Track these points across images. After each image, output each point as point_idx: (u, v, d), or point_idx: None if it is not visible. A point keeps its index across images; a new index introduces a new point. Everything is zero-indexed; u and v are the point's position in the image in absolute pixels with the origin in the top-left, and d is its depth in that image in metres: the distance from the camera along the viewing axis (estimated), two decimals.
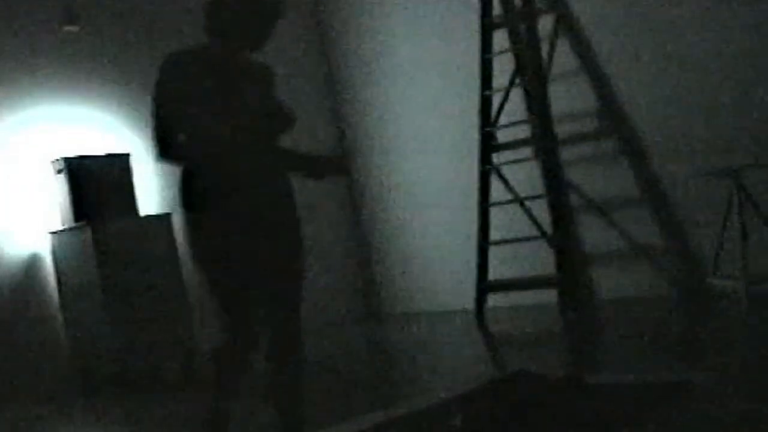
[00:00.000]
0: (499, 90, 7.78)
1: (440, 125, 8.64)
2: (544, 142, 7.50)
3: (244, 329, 3.70)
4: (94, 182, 7.23)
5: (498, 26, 7.88)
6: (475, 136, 8.38)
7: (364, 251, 9.54)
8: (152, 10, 8.35)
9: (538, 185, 7.91)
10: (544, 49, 7.68)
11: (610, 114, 7.29)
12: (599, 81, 7.35)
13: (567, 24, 7.50)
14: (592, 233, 7.53)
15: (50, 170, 7.57)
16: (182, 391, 6.37)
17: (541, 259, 7.97)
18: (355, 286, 9.50)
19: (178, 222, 8.23)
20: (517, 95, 7.97)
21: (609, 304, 7.21)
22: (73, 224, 7.12)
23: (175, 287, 7.26)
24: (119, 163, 7.33)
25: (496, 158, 8.20)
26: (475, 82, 8.32)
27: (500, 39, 8.06)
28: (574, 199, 7.63)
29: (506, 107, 8.06)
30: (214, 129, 3.57)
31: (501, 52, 7.74)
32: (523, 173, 8.01)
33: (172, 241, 7.27)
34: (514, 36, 7.71)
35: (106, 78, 8.01)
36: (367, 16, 9.19)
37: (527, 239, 7.62)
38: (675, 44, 6.85)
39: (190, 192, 3.62)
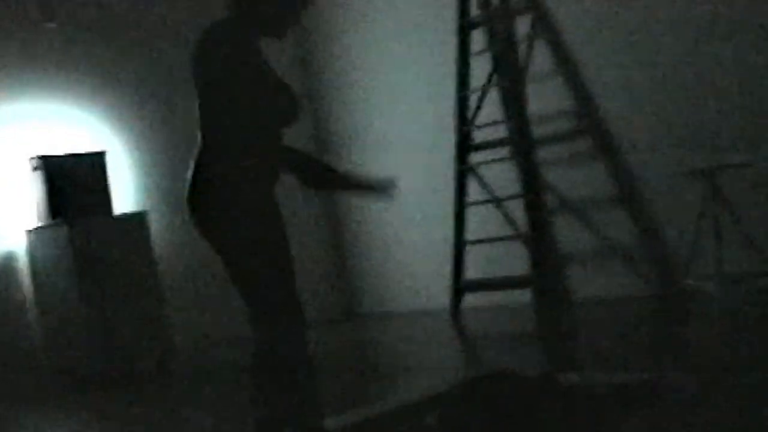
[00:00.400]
0: (476, 90, 7.80)
1: (417, 125, 8.65)
2: (521, 142, 7.52)
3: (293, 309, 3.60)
4: (70, 180, 7.20)
5: (475, 26, 7.90)
6: (452, 136, 8.39)
7: (340, 251, 9.54)
8: (127, 6, 8.32)
9: (515, 185, 7.93)
10: (522, 49, 7.71)
11: (587, 114, 7.32)
12: (576, 81, 7.38)
13: (544, 24, 7.52)
14: (569, 233, 7.56)
15: (27, 168, 7.54)
16: (158, 389, 6.36)
17: (517, 259, 7.99)
18: (332, 286, 9.50)
19: (153, 220, 8.21)
20: (494, 95, 7.99)
21: (585, 304, 7.24)
22: (49, 222, 7.09)
23: (150, 285, 7.24)
24: (95, 161, 7.31)
25: (473, 158, 8.22)
26: (453, 82, 8.33)
27: (478, 39, 8.08)
28: (550, 199, 7.65)
29: (484, 107, 8.08)
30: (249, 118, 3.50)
31: (478, 53, 7.76)
32: (499, 173, 8.03)
33: (147, 239, 7.25)
34: (491, 36, 7.72)
35: (84, 75, 7.98)
36: (344, 15, 9.19)
37: (503, 239, 7.64)
38: (651, 45, 6.88)
39: (205, 185, 3.52)
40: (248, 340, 8.58)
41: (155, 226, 8.23)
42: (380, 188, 3.68)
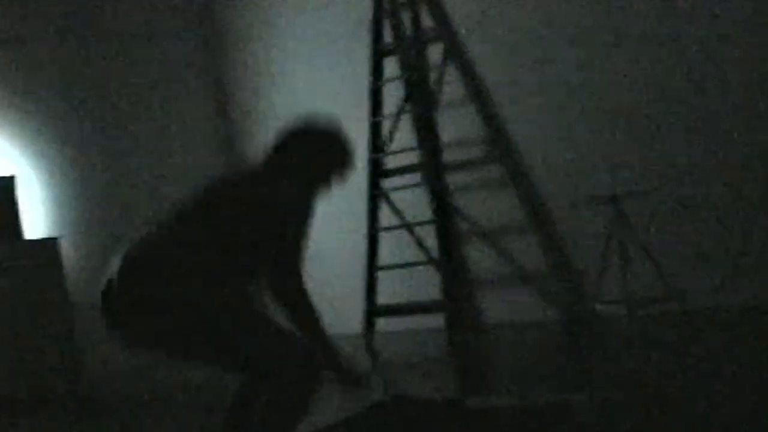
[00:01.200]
0: (389, 117, 7.85)
1: None
2: (433, 168, 7.58)
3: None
4: None
5: (388, 53, 7.96)
6: (365, 162, 8.43)
7: None
8: (39, 27, 8.23)
9: (426, 211, 7.98)
10: (434, 76, 7.78)
11: (497, 141, 7.41)
12: (487, 109, 7.47)
13: (456, 52, 7.61)
14: (480, 258, 7.63)
15: None
16: (68, 413, 6.27)
17: (429, 284, 8.04)
18: None
19: (64, 246, 8.11)
20: (407, 122, 8.05)
21: (496, 328, 7.30)
22: None
23: (61, 311, 7.14)
24: (4, 185, 7.21)
25: (386, 184, 8.26)
26: (366, 109, 8.38)
27: (391, 66, 8.14)
28: (461, 224, 7.72)
29: (396, 134, 8.13)
30: None
31: (391, 79, 7.81)
32: (411, 199, 8.08)
33: (59, 265, 7.16)
34: (404, 63, 7.79)
35: None
36: (258, 39, 9.20)
37: (415, 264, 7.69)
38: (558, 73, 6.99)
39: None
40: (153, 368, 8.49)
41: (66, 251, 8.13)
42: (352, 379, 3.56)
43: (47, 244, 7.13)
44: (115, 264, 3.23)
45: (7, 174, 7.37)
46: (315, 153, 3.54)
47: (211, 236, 3.28)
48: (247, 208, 3.33)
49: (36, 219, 7.99)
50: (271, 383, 3.25)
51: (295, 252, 3.39)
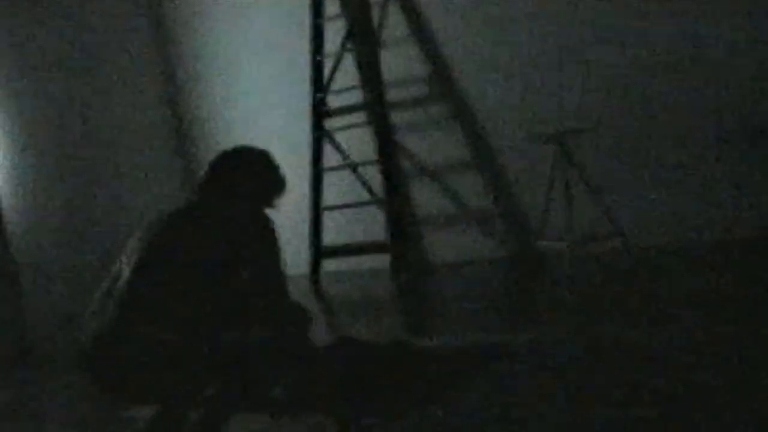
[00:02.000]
0: (330, 56, 7.78)
1: (272, 91, 8.59)
2: (376, 107, 7.54)
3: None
4: None
5: None
6: (307, 101, 8.36)
7: None
8: None
9: (370, 150, 7.95)
10: (376, 14, 7.71)
11: (440, 80, 7.37)
12: (429, 47, 7.42)
13: None
14: (424, 198, 7.62)
15: None
16: (20, 375, 6.21)
17: (374, 224, 8.03)
18: None
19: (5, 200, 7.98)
20: (349, 61, 7.98)
21: (440, 267, 7.32)
22: None
23: (3, 266, 7.06)
24: None
25: (329, 124, 8.20)
26: (307, 48, 8.30)
27: (333, 4, 8.06)
28: (405, 164, 7.70)
29: (338, 73, 8.06)
30: None
31: (333, 18, 7.73)
32: (355, 139, 8.04)
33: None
34: (345, 1, 7.70)
35: None
36: None
37: (360, 205, 7.67)
38: (502, 7, 6.95)
39: None
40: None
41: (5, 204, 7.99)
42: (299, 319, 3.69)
43: None
44: (104, 317, 3.30)
45: None
46: (251, 173, 3.81)
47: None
48: (217, 233, 3.50)
49: None
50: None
51: (275, 276, 3.57)
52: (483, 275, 6.47)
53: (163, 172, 9.28)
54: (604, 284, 5.23)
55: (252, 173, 3.79)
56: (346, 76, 8.02)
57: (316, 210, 7.96)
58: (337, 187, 8.23)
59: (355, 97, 7.99)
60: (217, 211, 3.56)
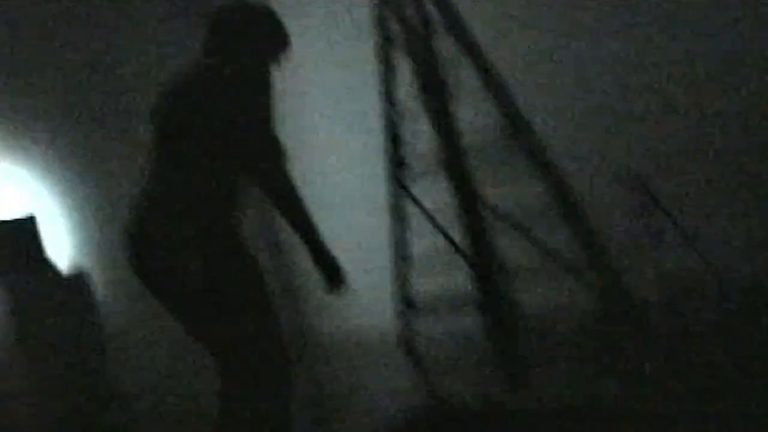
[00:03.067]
0: (403, 108, 7.75)
1: (344, 146, 8.61)
2: (454, 159, 7.47)
3: None
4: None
5: (394, 43, 7.84)
6: (380, 154, 8.30)
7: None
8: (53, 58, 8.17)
9: (452, 203, 7.86)
10: (447, 65, 7.67)
11: (516, 127, 7.29)
12: (503, 98, 7.35)
13: (467, 43, 7.49)
14: (509, 248, 7.52)
15: None
16: None
17: (460, 278, 7.93)
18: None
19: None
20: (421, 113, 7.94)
21: (530, 319, 7.21)
22: None
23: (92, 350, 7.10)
24: (25, 226, 7.14)
25: (406, 176, 8.14)
26: (377, 101, 8.28)
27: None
28: (488, 214, 7.60)
29: (413, 125, 8.01)
30: None
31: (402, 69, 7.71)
32: (435, 192, 7.96)
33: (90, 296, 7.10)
34: (413, 54, 7.66)
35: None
36: None
37: (445, 258, 7.60)
38: (575, 52, 6.89)
39: None
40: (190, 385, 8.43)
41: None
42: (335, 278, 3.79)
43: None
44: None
45: (26, 215, 7.20)
46: (252, 29, 3.70)
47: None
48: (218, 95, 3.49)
49: (61, 255, 7.85)
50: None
51: (267, 128, 3.54)
52: (576, 325, 6.34)
53: None
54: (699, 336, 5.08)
55: (254, 29, 3.60)
56: (419, 129, 7.97)
57: (400, 262, 7.88)
58: (419, 243, 8.15)
59: (431, 150, 7.93)
60: (221, 70, 3.49)
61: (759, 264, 6.23)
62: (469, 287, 7.84)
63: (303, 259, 9.03)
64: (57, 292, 6.84)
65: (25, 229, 6.96)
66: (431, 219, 7.63)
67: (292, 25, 7.94)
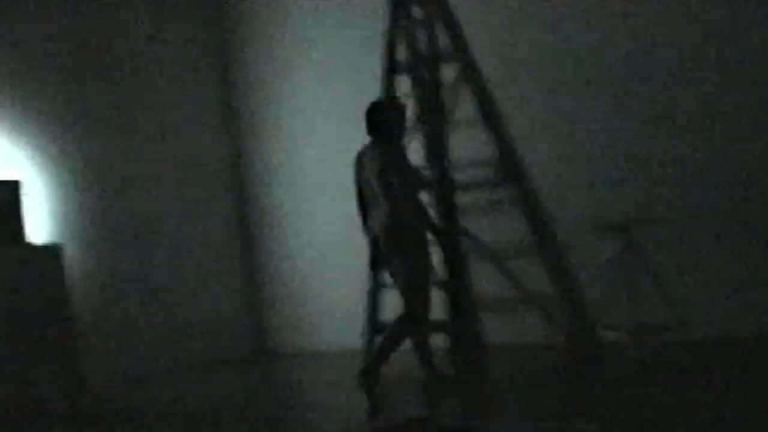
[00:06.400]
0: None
1: (337, 169, 8.67)
2: (442, 187, 7.55)
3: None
4: None
5: (402, 70, 7.94)
6: None
7: (256, 289, 9.47)
8: (50, 35, 8.22)
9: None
10: (447, 95, 7.77)
11: (507, 164, 7.39)
12: (498, 131, 7.46)
13: (471, 73, 7.60)
14: (485, 279, 7.60)
15: None
16: (71, 427, 6.23)
17: (434, 303, 8.02)
18: (248, 325, 9.41)
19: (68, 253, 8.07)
20: (417, 141, 8.03)
21: (499, 349, 7.28)
22: None
23: (63, 319, 7.11)
24: (9, 190, 7.19)
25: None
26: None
27: (404, 82, 8.14)
28: (468, 245, 7.69)
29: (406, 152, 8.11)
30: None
31: (404, 96, 7.79)
32: None
33: (61, 271, 7.13)
34: (417, 80, 7.76)
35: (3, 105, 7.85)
36: (270, 56, 9.20)
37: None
38: (570, 102, 6.99)
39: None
40: (162, 378, 8.45)
41: (69, 257, 8.08)
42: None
43: (52, 251, 7.11)
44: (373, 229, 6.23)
45: (11, 178, 7.33)
46: (392, 120, 6.29)
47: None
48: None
49: (40, 224, 7.94)
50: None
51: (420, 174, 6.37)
52: (541, 359, 6.42)
53: (228, 273, 9.35)
54: (665, 375, 5.17)
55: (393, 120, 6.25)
56: (414, 156, 8.08)
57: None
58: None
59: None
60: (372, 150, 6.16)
61: (730, 318, 6.32)
62: (443, 313, 7.92)
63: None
64: (32, 264, 6.86)
65: (9, 191, 7.01)
66: None
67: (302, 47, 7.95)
